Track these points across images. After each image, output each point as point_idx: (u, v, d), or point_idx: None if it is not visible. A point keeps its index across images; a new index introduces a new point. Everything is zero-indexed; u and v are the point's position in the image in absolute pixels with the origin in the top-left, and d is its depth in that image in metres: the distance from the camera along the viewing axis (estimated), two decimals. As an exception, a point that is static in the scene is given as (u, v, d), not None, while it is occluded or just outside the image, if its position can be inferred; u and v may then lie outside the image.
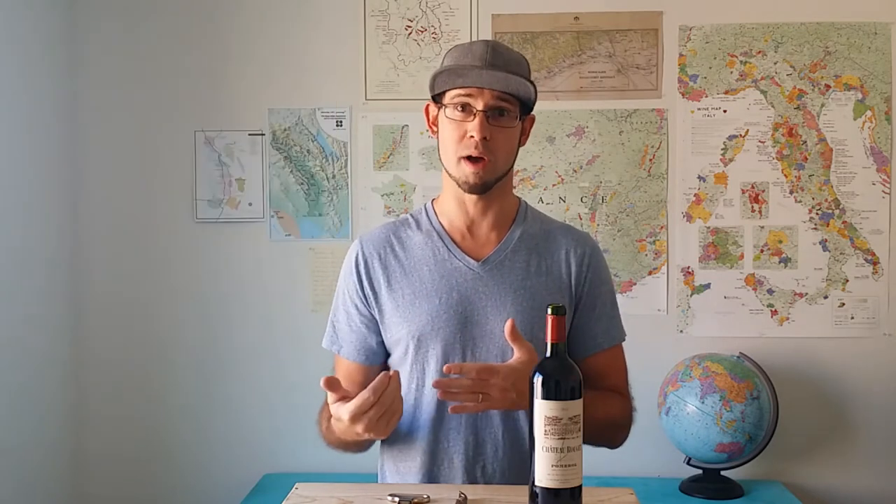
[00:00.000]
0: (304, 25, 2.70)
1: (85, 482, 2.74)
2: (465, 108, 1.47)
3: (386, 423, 1.35)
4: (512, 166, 1.55)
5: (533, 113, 1.56)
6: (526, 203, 1.64)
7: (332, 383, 1.36)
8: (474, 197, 1.53)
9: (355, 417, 1.32)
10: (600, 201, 2.68)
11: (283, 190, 2.72)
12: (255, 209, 2.72)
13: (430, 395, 1.51)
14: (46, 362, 2.58)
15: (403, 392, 1.54)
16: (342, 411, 1.33)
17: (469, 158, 1.47)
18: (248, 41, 2.71)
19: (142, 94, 2.72)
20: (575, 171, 2.68)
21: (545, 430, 1.18)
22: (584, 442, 1.49)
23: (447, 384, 1.34)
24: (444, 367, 1.37)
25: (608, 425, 1.54)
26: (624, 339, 1.62)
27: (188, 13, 2.71)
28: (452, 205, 1.57)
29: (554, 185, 2.68)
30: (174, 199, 2.73)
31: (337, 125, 2.71)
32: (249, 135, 2.72)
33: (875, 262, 2.63)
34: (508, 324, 1.38)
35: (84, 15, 2.71)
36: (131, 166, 2.73)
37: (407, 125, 2.68)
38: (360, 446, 1.55)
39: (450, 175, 1.52)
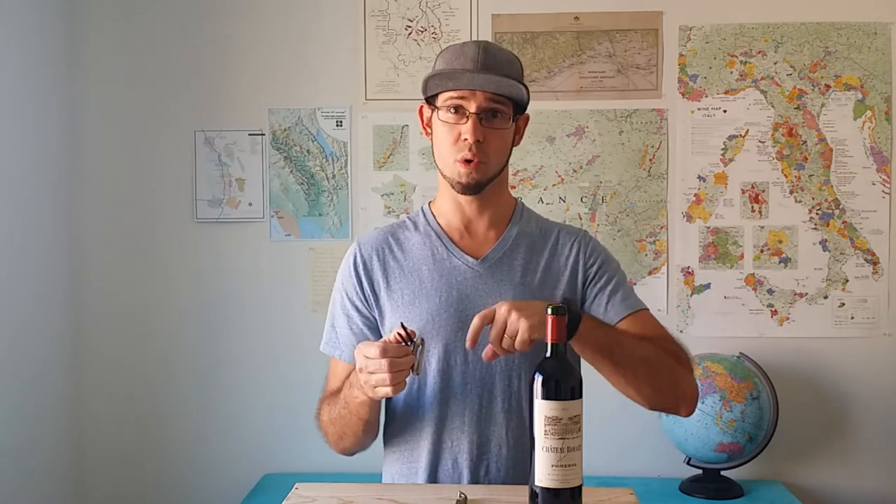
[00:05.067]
0: (303, 25, 2.70)
1: (85, 482, 2.74)
2: (458, 110, 1.48)
3: (404, 375, 1.35)
4: (505, 166, 1.55)
5: (527, 112, 1.56)
6: (522, 203, 1.64)
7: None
8: (469, 198, 1.54)
9: (385, 352, 1.32)
10: (600, 201, 2.68)
11: (283, 190, 2.72)
12: (255, 209, 2.72)
13: (431, 395, 1.51)
14: (46, 362, 2.58)
15: (404, 393, 1.54)
16: (371, 348, 1.33)
17: (463, 160, 1.48)
18: (247, 41, 2.71)
19: (142, 94, 2.72)
20: (575, 171, 2.68)
21: (545, 430, 1.18)
22: (638, 381, 1.42)
23: (475, 338, 1.34)
24: (468, 346, 1.36)
25: (652, 354, 1.44)
26: (645, 307, 1.55)
27: (188, 13, 2.71)
28: (449, 206, 1.57)
29: (554, 185, 2.68)
30: (174, 199, 2.73)
31: (337, 125, 2.71)
32: (249, 135, 2.72)
33: (875, 262, 2.63)
34: (470, 338, 1.36)
35: (84, 15, 2.71)
36: (131, 166, 2.73)
37: (407, 125, 2.69)
38: (362, 433, 1.51)
39: (444, 176, 1.53)
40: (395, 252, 1.57)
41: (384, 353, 1.32)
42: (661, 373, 1.45)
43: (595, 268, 1.57)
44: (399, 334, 1.37)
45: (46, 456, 2.57)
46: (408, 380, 1.40)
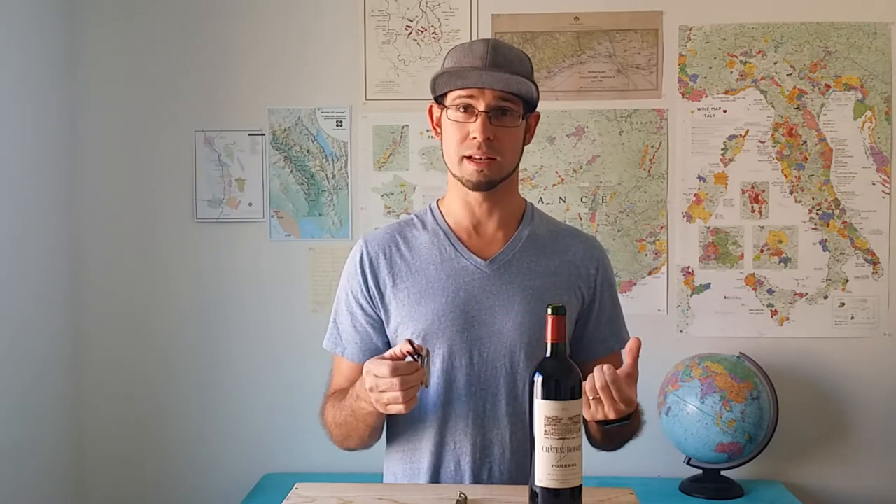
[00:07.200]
0: (304, 25, 2.70)
1: (85, 482, 2.74)
2: (468, 108, 1.47)
3: (415, 391, 1.35)
4: (517, 165, 1.54)
5: (538, 111, 1.55)
6: (532, 205, 1.63)
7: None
8: (480, 197, 1.52)
9: (396, 370, 1.32)
10: (600, 201, 2.68)
11: (283, 190, 2.72)
12: (255, 209, 2.72)
13: (435, 396, 1.50)
14: (46, 362, 2.58)
15: None
16: (381, 367, 1.33)
17: (472, 157, 1.47)
18: (247, 41, 2.71)
19: (142, 94, 2.72)
20: (575, 171, 2.68)
21: (545, 430, 1.18)
22: (608, 442, 1.52)
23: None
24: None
25: (631, 436, 1.56)
26: (627, 339, 1.62)
27: (188, 13, 2.71)
28: (458, 205, 1.56)
29: (554, 185, 2.68)
30: (174, 199, 2.73)
31: (337, 125, 2.71)
32: (249, 135, 2.72)
33: (875, 262, 2.63)
34: (634, 342, 1.36)
35: (84, 15, 2.71)
36: (131, 166, 2.73)
37: (407, 125, 2.69)
38: (368, 437, 1.52)
39: (454, 175, 1.52)
40: (403, 250, 1.56)
41: (395, 371, 1.32)
42: (621, 442, 1.56)
43: (602, 290, 1.58)
44: (407, 351, 1.37)
45: (46, 456, 2.57)
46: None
